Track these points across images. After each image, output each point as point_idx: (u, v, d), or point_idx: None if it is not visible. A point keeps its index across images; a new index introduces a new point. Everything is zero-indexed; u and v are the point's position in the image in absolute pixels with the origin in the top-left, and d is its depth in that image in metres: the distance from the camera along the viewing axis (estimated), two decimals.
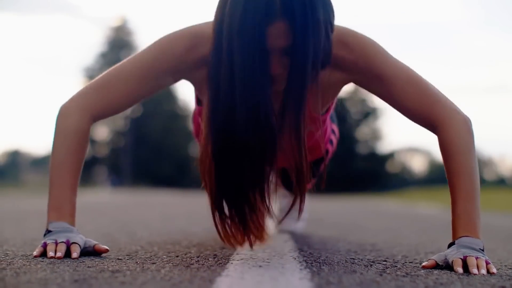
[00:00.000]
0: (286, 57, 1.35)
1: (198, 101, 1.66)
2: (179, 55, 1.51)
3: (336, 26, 1.46)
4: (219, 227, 1.48)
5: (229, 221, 1.46)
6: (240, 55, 1.31)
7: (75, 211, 1.51)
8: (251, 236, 1.48)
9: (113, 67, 1.57)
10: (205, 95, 1.44)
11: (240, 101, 1.33)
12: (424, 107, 1.51)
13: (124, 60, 1.56)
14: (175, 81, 1.58)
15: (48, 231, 1.46)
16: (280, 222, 1.51)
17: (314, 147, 1.65)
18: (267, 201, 1.46)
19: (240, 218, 1.45)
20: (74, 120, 1.51)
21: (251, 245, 1.51)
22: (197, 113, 1.72)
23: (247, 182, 1.41)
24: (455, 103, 1.54)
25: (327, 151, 1.89)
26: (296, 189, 1.46)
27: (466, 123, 1.51)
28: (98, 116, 1.56)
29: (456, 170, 1.48)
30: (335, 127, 1.96)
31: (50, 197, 1.49)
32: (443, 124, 1.50)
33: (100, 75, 1.57)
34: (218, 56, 1.36)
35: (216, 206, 1.46)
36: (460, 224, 1.45)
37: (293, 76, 1.36)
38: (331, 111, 1.69)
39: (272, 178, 1.50)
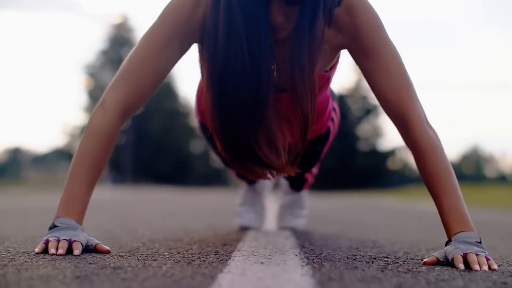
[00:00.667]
0: (288, 7, 1.35)
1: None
2: (187, 16, 1.49)
3: None
4: (233, 167, 1.55)
5: (240, 162, 1.52)
6: (238, 4, 1.32)
7: (86, 210, 1.50)
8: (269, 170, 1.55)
9: (131, 52, 1.55)
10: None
11: (237, 49, 1.34)
12: (399, 101, 1.53)
13: (138, 43, 1.55)
14: (186, 48, 1.56)
15: (53, 225, 1.46)
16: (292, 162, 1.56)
17: (317, 113, 1.66)
18: (264, 144, 1.46)
19: (250, 160, 1.49)
20: (104, 119, 1.51)
21: (272, 175, 1.58)
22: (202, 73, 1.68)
23: (242, 128, 1.43)
24: (422, 107, 1.56)
25: (328, 130, 1.89)
26: (301, 140, 1.49)
27: (430, 124, 1.55)
28: (131, 109, 1.55)
29: (433, 170, 1.50)
30: (336, 106, 1.95)
31: (64, 191, 1.49)
32: (414, 125, 1.52)
33: (122, 64, 1.55)
34: (216, 4, 1.37)
35: (226, 151, 1.49)
36: (452, 221, 1.46)
37: (301, 22, 1.36)
38: (333, 73, 1.69)
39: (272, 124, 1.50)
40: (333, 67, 1.64)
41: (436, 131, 1.55)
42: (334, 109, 1.91)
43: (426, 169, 1.51)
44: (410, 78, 1.55)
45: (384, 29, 1.53)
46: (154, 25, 1.53)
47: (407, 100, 1.52)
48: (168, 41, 1.51)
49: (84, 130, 1.54)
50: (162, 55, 1.52)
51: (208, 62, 1.42)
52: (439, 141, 1.53)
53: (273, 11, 1.34)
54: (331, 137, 1.96)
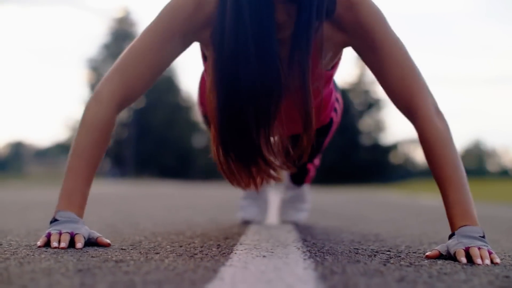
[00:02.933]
0: (290, 5, 1.38)
1: (205, 58, 1.65)
2: (188, 15, 1.50)
3: None
4: (223, 166, 1.53)
5: (233, 161, 1.51)
6: (246, 2, 1.36)
7: (86, 203, 1.51)
8: (258, 178, 1.55)
9: (129, 46, 1.56)
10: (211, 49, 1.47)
11: (246, 46, 1.37)
12: (407, 91, 1.52)
13: (137, 37, 1.56)
14: (186, 46, 1.57)
15: (54, 219, 1.46)
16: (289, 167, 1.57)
17: (320, 107, 1.66)
18: (271, 144, 1.49)
19: (245, 159, 1.50)
20: (100, 111, 1.51)
21: (256, 187, 1.57)
22: (205, 70, 1.67)
23: (252, 125, 1.45)
24: (433, 95, 1.55)
25: (331, 120, 1.90)
26: (306, 137, 1.50)
27: (441, 114, 1.53)
28: (126, 101, 1.56)
29: (440, 162, 1.49)
30: (339, 96, 1.96)
31: (63, 185, 1.49)
32: (422, 116, 1.51)
33: (119, 58, 1.56)
34: (224, 3, 1.40)
35: (221, 144, 1.50)
36: (456, 214, 1.45)
37: (300, 21, 1.39)
38: (336, 71, 1.70)
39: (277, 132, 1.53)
40: (335, 65, 1.65)
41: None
42: (337, 99, 1.92)
43: (433, 161, 1.50)
44: (418, 68, 1.54)
45: (386, 21, 1.53)
46: (154, 21, 1.54)
47: (414, 90, 1.52)
48: (166, 37, 1.52)
49: (80, 123, 1.53)
50: (160, 51, 1.52)
51: (215, 61, 1.43)
52: (449, 132, 1.51)
53: (278, 8, 1.37)
54: (334, 127, 1.97)
